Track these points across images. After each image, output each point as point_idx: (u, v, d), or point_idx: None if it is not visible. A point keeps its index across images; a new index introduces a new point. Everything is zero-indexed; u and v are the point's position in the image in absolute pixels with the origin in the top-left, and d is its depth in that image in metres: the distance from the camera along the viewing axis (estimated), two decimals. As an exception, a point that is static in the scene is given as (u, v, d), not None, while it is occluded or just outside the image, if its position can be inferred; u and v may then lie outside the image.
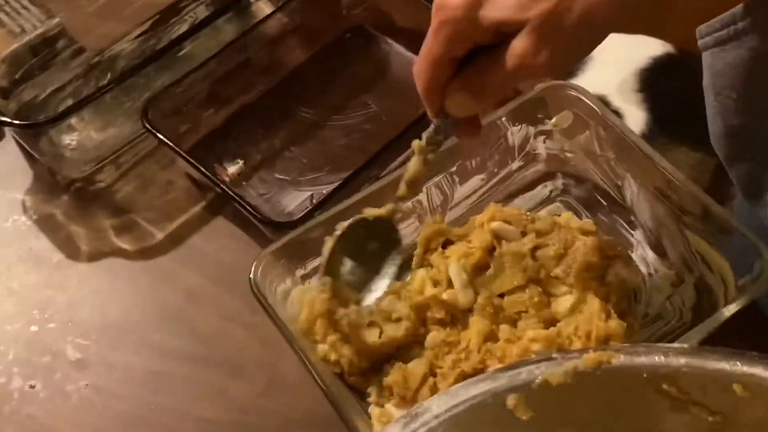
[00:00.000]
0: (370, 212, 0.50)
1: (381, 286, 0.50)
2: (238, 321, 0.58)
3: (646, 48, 0.74)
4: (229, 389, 0.55)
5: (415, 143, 0.48)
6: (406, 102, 0.68)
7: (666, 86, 0.68)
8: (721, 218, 0.50)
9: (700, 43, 0.47)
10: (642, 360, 0.37)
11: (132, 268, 0.62)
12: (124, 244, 0.63)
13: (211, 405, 0.55)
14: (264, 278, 0.50)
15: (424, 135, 0.47)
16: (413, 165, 0.48)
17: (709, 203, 0.50)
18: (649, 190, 0.54)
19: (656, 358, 0.36)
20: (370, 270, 0.50)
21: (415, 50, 0.70)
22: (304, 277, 0.54)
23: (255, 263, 0.51)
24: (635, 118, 0.67)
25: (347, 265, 0.50)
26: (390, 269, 0.50)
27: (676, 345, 0.37)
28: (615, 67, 0.68)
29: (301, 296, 0.52)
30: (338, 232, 0.49)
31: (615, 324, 0.48)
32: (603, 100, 0.59)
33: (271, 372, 0.56)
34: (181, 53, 0.68)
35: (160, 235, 0.63)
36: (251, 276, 0.50)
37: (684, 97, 0.65)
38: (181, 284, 0.60)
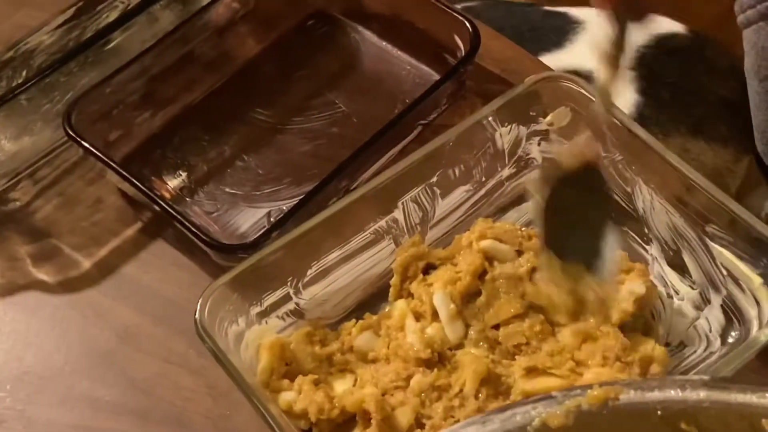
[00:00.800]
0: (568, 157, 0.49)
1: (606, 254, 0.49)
2: (183, 366, 0.59)
3: (649, 26, 0.77)
4: (174, 448, 0.56)
5: (600, 53, 0.47)
6: (380, 101, 0.69)
7: (667, 67, 0.71)
8: (751, 227, 0.51)
9: (740, 18, 0.48)
10: (655, 395, 0.38)
11: (54, 304, 0.62)
12: (43, 274, 0.63)
13: (152, 467, 0.55)
14: (213, 318, 0.51)
15: (607, 40, 0.46)
16: (605, 79, 0.47)
17: (736, 210, 0.52)
18: (664, 197, 0.55)
19: (671, 392, 0.38)
20: (584, 235, 0.50)
21: (390, 39, 0.73)
22: (261, 315, 0.54)
23: (201, 300, 0.51)
24: (624, 99, 0.69)
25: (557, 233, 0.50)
26: (607, 230, 0.50)
27: (694, 377, 0.39)
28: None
29: (257, 339, 0.52)
30: (541, 192, 0.49)
31: (657, 351, 0.49)
32: (587, 78, 0.61)
33: (223, 426, 0.56)
34: (110, 46, 0.69)
35: (87, 264, 0.63)
36: (197, 316, 0.51)
37: (688, 83, 0.67)
38: (114, 322, 0.61)
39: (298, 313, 0.56)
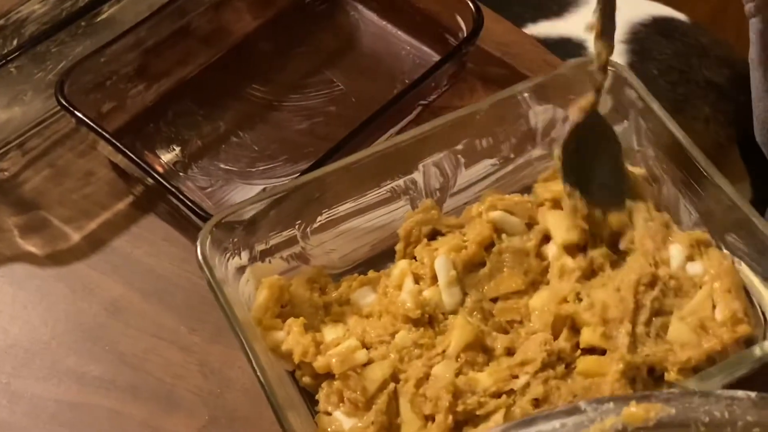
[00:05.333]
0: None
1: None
2: (174, 341, 0.58)
3: (648, 7, 0.78)
4: (163, 425, 0.55)
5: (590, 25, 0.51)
6: (378, 80, 0.69)
7: (661, 46, 0.72)
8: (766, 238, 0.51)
9: (748, 7, 0.48)
10: (698, 414, 0.35)
11: (41, 276, 0.62)
12: (31, 246, 0.63)
13: (141, 444, 0.55)
14: (215, 248, 0.51)
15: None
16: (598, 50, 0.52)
17: (757, 222, 0.51)
18: (689, 199, 0.55)
19: (716, 413, 0.35)
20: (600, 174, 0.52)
21: (390, 18, 0.73)
22: (264, 254, 0.54)
23: (205, 228, 0.51)
24: None
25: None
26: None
27: (739, 393, 0.36)
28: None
29: (258, 276, 0.53)
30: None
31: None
32: (581, 46, 0.61)
33: (214, 404, 0.56)
34: (102, 17, 0.69)
35: (76, 237, 0.63)
36: (199, 243, 0.51)
37: (678, 62, 0.68)
38: (103, 296, 0.60)
39: (302, 258, 0.56)
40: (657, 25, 0.75)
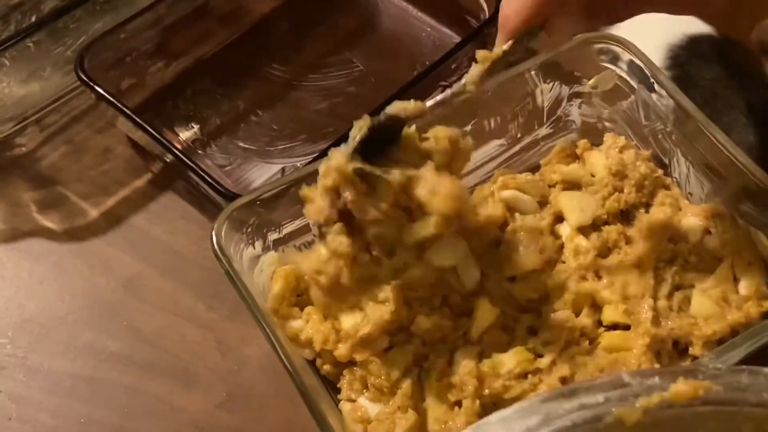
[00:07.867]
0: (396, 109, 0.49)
1: None
2: (191, 319, 0.58)
3: (680, 25, 0.76)
4: (180, 402, 0.55)
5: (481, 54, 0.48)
6: (399, 61, 0.69)
7: (701, 71, 0.70)
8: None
9: None
10: (746, 396, 0.34)
11: (58, 252, 0.61)
12: (48, 222, 0.63)
13: (157, 421, 0.55)
14: (229, 239, 0.50)
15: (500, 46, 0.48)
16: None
17: None
18: (701, 170, 0.55)
19: (765, 394, 0.34)
20: None
21: (411, -1, 0.73)
22: (278, 243, 0.54)
23: (220, 217, 0.51)
24: None
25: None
26: None
27: None
28: (641, 37, 0.70)
29: (273, 266, 0.52)
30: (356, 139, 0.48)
31: None
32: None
33: (231, 381, 0.56)
34: (121, -5, 0.68)
35: (94, 213, 0.63)
36: (214, 233, 0.50)
37: (720, 88, 0.66)
38: (120, 273, 0.60)
39: (315, 246, 0.56)
40: (693, 45, 0.74)
